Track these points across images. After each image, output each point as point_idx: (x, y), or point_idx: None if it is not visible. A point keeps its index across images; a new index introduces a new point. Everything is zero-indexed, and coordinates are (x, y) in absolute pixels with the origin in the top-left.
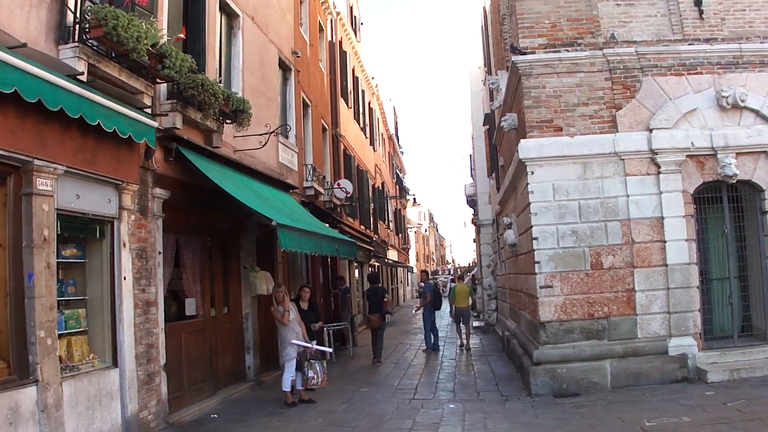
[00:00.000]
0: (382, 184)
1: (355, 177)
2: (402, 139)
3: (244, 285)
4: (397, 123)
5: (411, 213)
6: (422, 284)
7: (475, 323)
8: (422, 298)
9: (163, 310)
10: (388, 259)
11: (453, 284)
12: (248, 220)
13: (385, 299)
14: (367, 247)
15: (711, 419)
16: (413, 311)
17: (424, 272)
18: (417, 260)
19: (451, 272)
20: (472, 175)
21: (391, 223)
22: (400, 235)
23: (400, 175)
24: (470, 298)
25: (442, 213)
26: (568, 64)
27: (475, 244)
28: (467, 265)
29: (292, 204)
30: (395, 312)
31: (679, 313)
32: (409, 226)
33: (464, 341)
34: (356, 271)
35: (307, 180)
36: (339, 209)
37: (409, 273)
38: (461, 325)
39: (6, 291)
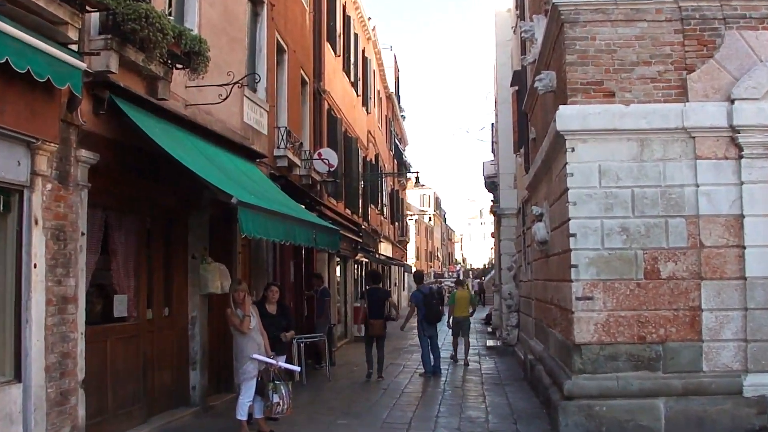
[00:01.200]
0: (376, 156)
1: (342, 146)
2: (404, 101)
3: (191, 280)
4: (398, 79)
5: (412, 196)
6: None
7: (490, 342)
8: (417, 311)
9: (84, 309)
10: (379, 254)
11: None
12: (200, 196)
13: (388, 301)
14: (354, 237)
15: None
16: (401, 329)
17: (417, 274)
18: (417, 257)
19: (461, 275)
20: (493, 150)
21: (385, 209)
22: (396, 224)
23: (400, 146)
24: (471, 306)
25: (451, 198)
26: (626, 9)
27: (493, 239)
28: (482, 266)
29: (259, 177)
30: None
31: (759, 342)
32: (408, 213)
33: (460, 356)
34: (338, 268)
35: (279, 147)
36: (319, 187)
37: (406, 273)
38: (459, 338)
39: None
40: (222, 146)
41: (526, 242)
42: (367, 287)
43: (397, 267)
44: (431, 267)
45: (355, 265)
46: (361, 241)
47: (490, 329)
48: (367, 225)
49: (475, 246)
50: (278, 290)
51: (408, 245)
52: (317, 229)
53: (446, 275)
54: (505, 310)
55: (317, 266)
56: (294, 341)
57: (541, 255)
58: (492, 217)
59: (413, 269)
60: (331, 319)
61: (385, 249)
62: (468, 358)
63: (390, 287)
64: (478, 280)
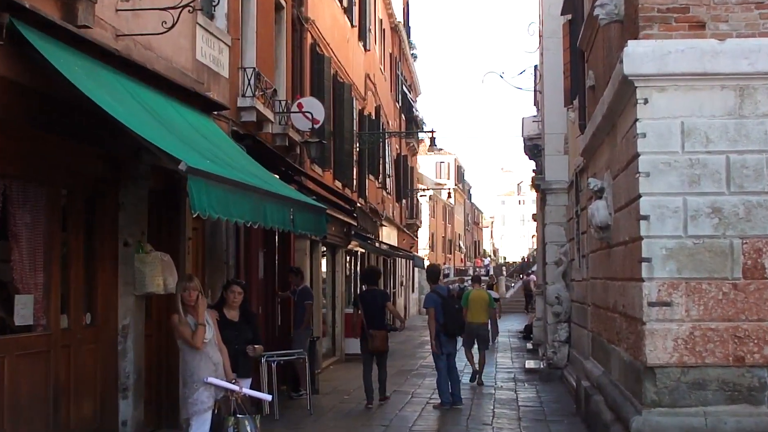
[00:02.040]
0: (377, 109)
1: (330, 95)
2: (416, 35)
3: (123, 276)
4: (407, 5)
5: (426, 165)
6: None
7: (530, 363)
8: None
9: None
10: (380, 242)
11: (468, 288)
12: (136, 162)
13: (388, 306)
14: (346, 219)
15: None
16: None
17: (431, 269)
18: (431, 247)
19: (490, 271)
20: (536, 103)
21: (389, 181)
22: (403, 201)
23: (410, 96)
24: (488, 311)
25: (478, 167)
26: None
27: (535, 224)
28: (521, 260)
29: (217, 136)
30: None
31: None
32: (420, 187)
33: (475, 368)
34: (324, 261)
35: (245, 96)
36: (299, 150)
37: (417, 269)
38: (472, 350)
39: None
40: (166, 93)
41: (580, 228)
42: (362, 288)
43: (404, 260)
44: (449, 261)
45: (348, 257)
46: (355, 224)
47: (530, 345)
48: (363, 203)
49: (511, 232)
50: (242, 291)
51: (419, 231)
52: (296, 207)
53: (471, 272)
54: (550, 320)
55: (296, 258)
56: (263, 360)
57: (600, 245)
58: (534, 194)
59: (425, 263)
60: (313, 331)
61: (389, 235)
62: (482, 377)
63: (394, 288)
64: (522, 277)
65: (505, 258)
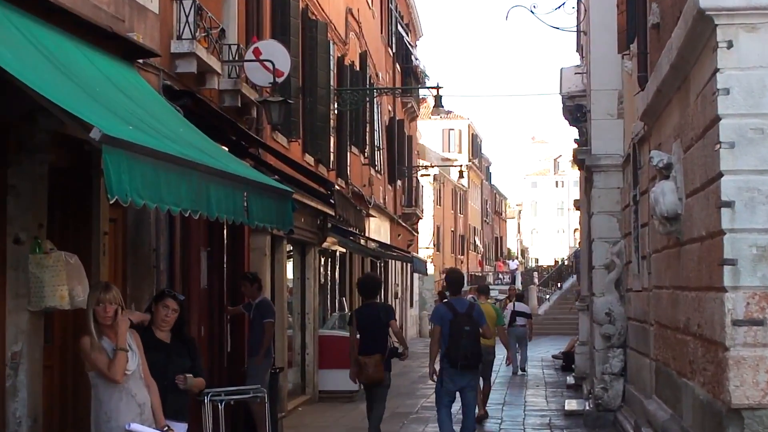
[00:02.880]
0: (363, 58)
1: (299, 38)
2: None
3: (12, 284)
4: None
5: (429, 133)
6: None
7: (571, 404)
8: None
9: None
10: (367, 239)
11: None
12: (30, 128)
13: (391, 326)
14: (320, 207)
15: None
16: (431, 379)
17: (454, 275)
18: (437, 247)
19: (517, 279)
20: (579, 49)
21: (379, 155)
22: (399, 183)
23: (407, 39)
24: (496, 329)
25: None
26: None
27: (578, 215)
28: (559, 261)
29: (143, 93)
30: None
31: None
32: (422, 164)
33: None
34: (290, 264)
35: (181, 38)
36: (256, 113)
37: (417, 276)
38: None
39: None
40: (72, 33)
41: (639, 219)
42: (359, 306)
43: (399, 263)
44: (461, 264)
45: (323, 259)
46: (333, 214)
47: (571, 379)
48: (344, 185)
49: (545, 225)
50: (177, 305)
51: (420, 223)
52: (252, 190)
53: (491, 280)
54: (599, 345)
55: (252, 261)
56: (206, 398)
57: (667, 242)
58: (576, 173)
59: (429, 267)
60: (273, 360)
61: (378, 230)
62: (485, 409)
63: (389, 299)
64: (560, 287)
65: (537, 260)
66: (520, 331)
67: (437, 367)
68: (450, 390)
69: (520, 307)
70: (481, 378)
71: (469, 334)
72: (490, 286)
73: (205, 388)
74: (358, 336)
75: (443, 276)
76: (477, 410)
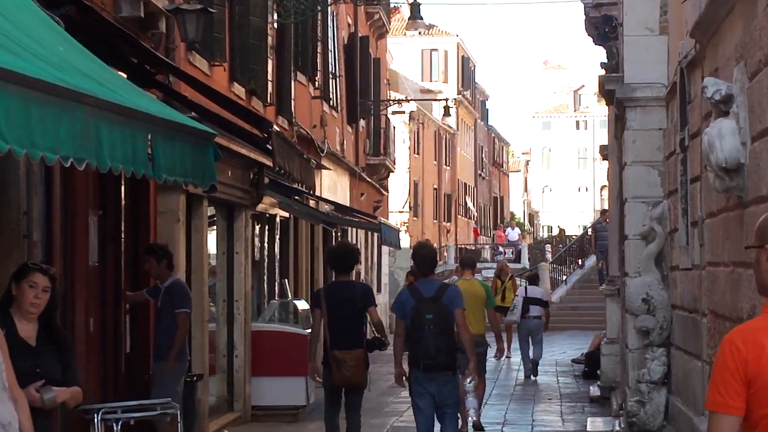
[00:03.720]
0: None
1: None
2: None
3: None
4: None
5: (403, 54)
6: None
7: (595, 423)
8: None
9: None
10: (318, 199)
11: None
12: None
13: (369, 313)
14: (253, 155)
15: None
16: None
17: (422, 251)
18: (415, 210)
19: (523, 252)
20: None
21: (334, 85)
22: (362, 123)
23: None
24: (483, 316)
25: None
26: None
27: (606, 166)
28: (582, 228)
29: None
30: None
31: None
32: (395, 98)
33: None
34: (213, 233)
35: None
36: (166, 26)
37: (387, 250)
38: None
39: None
40: None
41: (688, 171)
42: (329, 284)
43: (362, 233)
44: (447, 234)
45: (258, 227)
46: (271, 165)
47: (595, 389)
48: (287, 126)
49: (561, 181)
50: (49, 285)
51: (391, 178)
52: (159, 131)
53: (488, 256)
54: (633, 343)
55: (159, 229)
56: (96, 417)
57: (726, 202)
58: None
59: (402, 238)
60: (187, 363)
61: (334, 187)
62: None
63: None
64: (581, 264)
65: (550, 229)
66: (534, 325)
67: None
68: (422, 398)
69: (534, 291)
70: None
71: (432, 322)
72: (485, 265)
73: (97, 402)
74: (323, 321)
75: (416, 249)
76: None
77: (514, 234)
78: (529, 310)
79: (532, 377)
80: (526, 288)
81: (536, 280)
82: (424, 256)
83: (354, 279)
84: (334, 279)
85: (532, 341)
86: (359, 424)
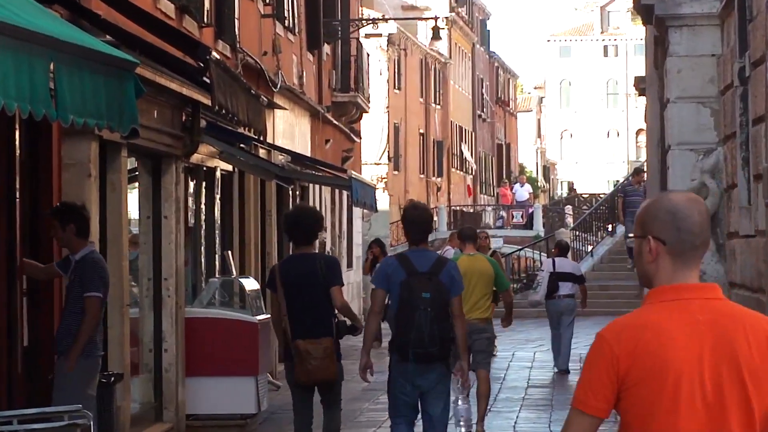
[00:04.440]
0: None
1: None
2: None
3: None
4: None
5: None
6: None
7: None
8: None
9: None
10: (267, 147)
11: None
12: None
13: (334, 293)
14: (186, 91)
15: None
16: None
17: (410, 212)
18: (395, 162)
19: (536, 217)
20: None
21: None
22: (327, 49)
23: None
24: (490, 297)
25: None
26: None
27: (643, 103)
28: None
29: None
30: None
31: None
32: (368, 16)
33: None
34: (132, 194)
35: None
36: None
37: (360, 213)
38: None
39: None
40: None
41: (750, 108)
42: (289, 256)
43: (328, 191)
44: (437, 195)
45: (191, 184)
46: (209, 103)
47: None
48: (229, 53)
49: (586, 123)
50: None
51: (365, 121)
52: (63, 59)
53: (490, 220)
54: None
55: (65, 186)
56: None
57: None
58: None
59: (377, 196)
60: (106, 360)
61: (291, 132)
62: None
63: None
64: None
65: (571, 185)
66: (566, 305)
67: (382, 359)
68: (406, 397)
69: (564, 265)
70: (473, 370)
71: (429, 304)
72: (489, 233)
73: None
74: (281, 305)
75: (407, 209)
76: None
77: (523, 192)
78: (559, 288)
79: (556, 370)
80: (553, 261)
81: (566, 250)
82: (415, 219)
83: (313, 250)
84: (291, 252)
85: (561, 328)
86: (339, 425)
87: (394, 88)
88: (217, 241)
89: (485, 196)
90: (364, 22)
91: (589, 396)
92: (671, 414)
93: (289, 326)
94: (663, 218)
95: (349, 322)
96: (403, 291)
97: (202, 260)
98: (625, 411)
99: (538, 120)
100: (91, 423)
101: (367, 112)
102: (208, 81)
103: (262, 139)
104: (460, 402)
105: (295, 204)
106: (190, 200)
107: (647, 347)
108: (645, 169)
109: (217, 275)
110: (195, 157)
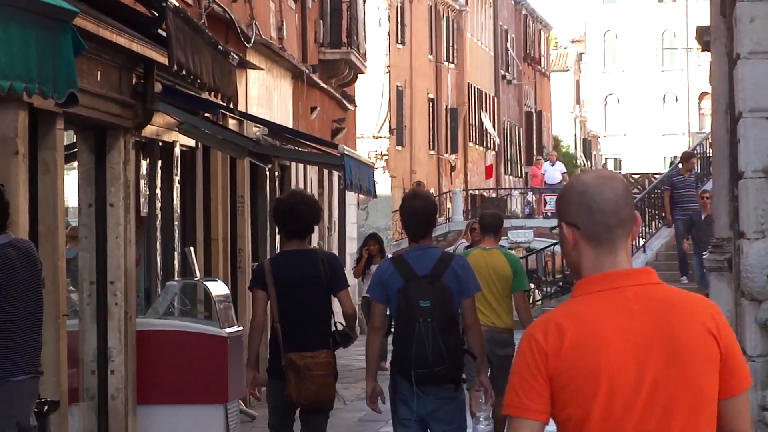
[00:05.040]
0: None
1: None
2: None
3: None
4: None
5: None
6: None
7: None
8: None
9: None
10: (238, 116)
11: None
12: None
13: (341, 298)
14: (137, 46)
15: None
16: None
17: (409, 202)
18: (400, 137)
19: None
20: None
21: None
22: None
23: None
24: (508, 302)
25: None
26: None
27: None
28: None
29: None
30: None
31: None
32: None
33: None
34: (70, 176)
35: None
36: None
37: (355, 198)
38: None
39: None
40: None
41: None
42: (279, 252)
43: (315, 171)
44: (452, 173)
45: (144, 163)
46: (166, 63)
47: None
48: (192, 1)
49: (636, 85)
50: None
51: (361, 84)
52: None
53: (518, 207)
54: (756, 347)
55: None
56: None
57: None
58: None
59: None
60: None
61: (268, 98)
62: None
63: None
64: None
65: (619, 163)
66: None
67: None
68: (407, 421)
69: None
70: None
71: (430, 313)
72: (514, 224)
73: None
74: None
75: (408, 196)
76: None
77: (554, 173)
78: None
79: None
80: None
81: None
82: (416, 210)
83: (312, 247)
84: (281, 247)
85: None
86: None
87: (397, 42)
88: (177, 234)
89: (511, 177)
90: None
91: (526, 399)
92: (608, 420)
93: (281, 336)
94: (573, 201)
95: (344, 330)
96: (401, 301)
97: (158, 259)
98: (558, 414)
99: (577, 82)
100: None
101: (363, 72)
102: (164, 34)
103: (232, 106)
104: (482, 421)
105: (290, 189)
106: (143, 184)
107: (577, 345)
108: (695, 153)
109: (176, 277)
110: (148, 130)
